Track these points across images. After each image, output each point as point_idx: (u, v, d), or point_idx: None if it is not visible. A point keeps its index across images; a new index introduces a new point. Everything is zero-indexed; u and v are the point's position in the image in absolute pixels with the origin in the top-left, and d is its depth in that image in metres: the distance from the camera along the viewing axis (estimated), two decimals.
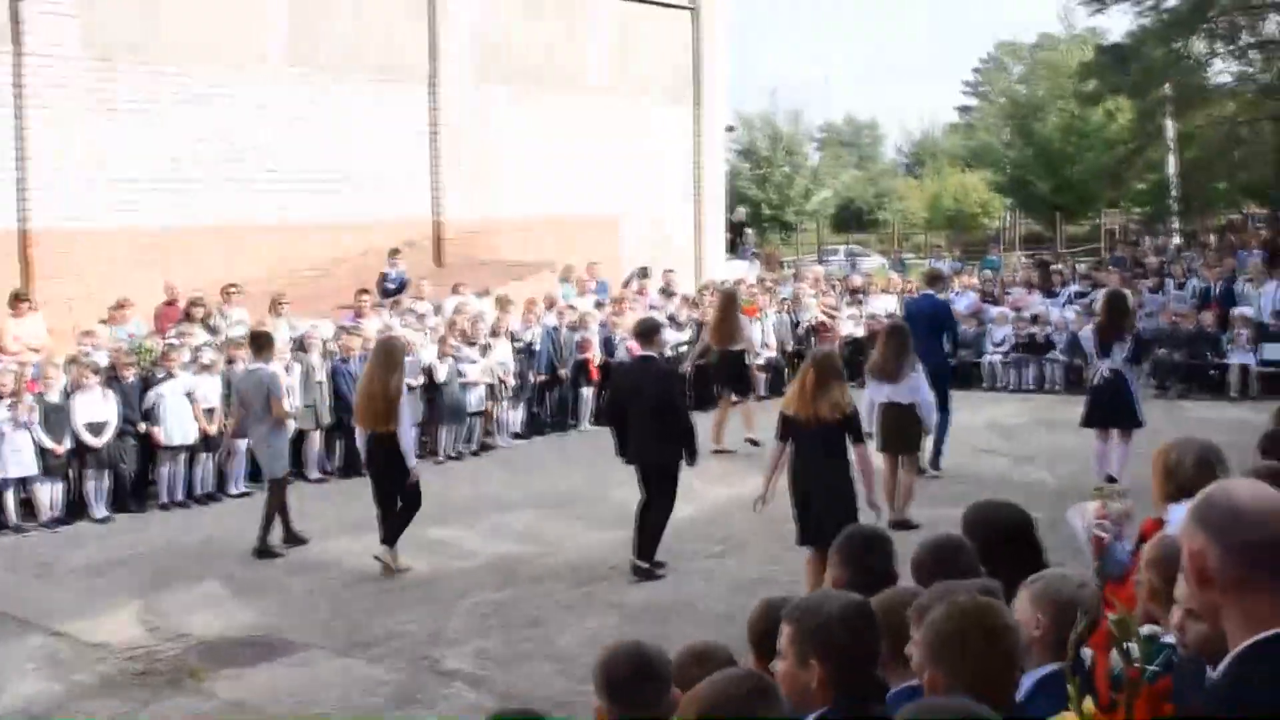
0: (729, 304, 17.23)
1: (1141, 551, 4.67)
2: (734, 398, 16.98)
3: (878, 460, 11.62)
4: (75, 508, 13.99)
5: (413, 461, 11.70)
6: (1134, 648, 3.43)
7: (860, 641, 3.68)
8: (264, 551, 12.17)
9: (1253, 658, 2.62)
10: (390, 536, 11.48)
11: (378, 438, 11.54)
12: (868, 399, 12.71)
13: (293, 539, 12.47)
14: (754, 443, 16.01)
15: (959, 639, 3.34)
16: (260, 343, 13.09)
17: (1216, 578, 2.67)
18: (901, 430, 12.56)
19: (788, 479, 9.90)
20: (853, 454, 9.88)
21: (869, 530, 5.05)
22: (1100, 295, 21.02)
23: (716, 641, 4.49)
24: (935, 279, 17.02)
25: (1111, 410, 13.83)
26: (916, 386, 12.63)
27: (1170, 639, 3.70)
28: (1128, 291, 17.54)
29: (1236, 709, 2.62)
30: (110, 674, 9.07)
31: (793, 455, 9.86)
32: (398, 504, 11.58)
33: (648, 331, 11.74)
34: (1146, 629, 3.93)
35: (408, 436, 11.72)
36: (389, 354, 11.74)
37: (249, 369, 13.10)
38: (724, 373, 17.27)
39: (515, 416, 18.26)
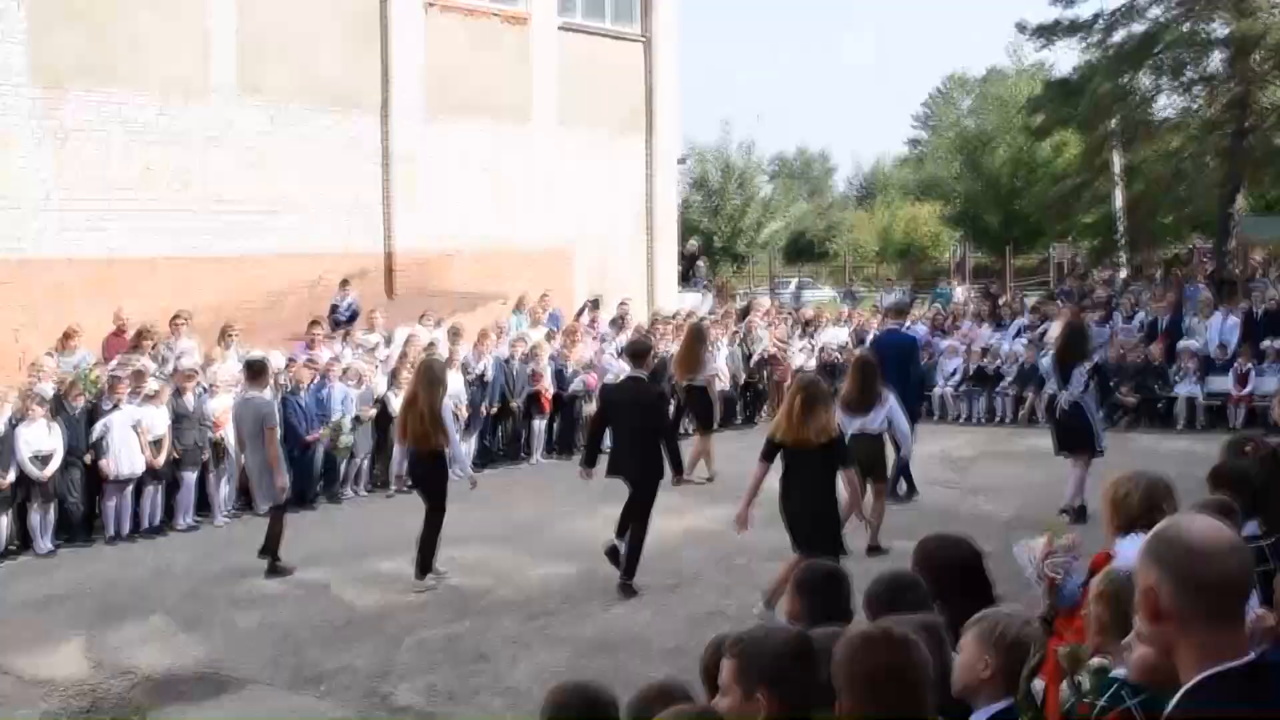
0: (694, 338, 17.43)
1: (1091, 584, 4.69)
2: (699, 432, 17.21)
3: None
4: (20, 541, 13.78)
5: (469, 470, 12.71)
6: (1084, 681, 3.45)
7: (806, 673, 3.67)
8: (275, 570, 12.33)
9: (1203, 692, 2.63)
10: (423, 564, 11.92)
11: (418, 454, 12.01)
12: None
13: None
14: (701, 481, 16.13)
15: (866, 671, 3.35)
16: (255, 370, 12.98)
17: (1169, 613, 2.69)
18: (871, 459, 12.68)
19: (779, 500, 10.12)
20: (840, 477, 10.12)
21: (828, 566, 5.06)
22: (1054, 325, 21.30)
23: (676, 679, 4.47)
24: (901, 312, 17.28)
25: (1070, 438, 14.03)
26: (890, 416, 12.90)
27: (1120, 672, 3.72)
28: (1085, 321, 17.76)
29: None
30: (54, 711, 8.94)
31: (782, 478, 10.07)
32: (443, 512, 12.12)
33: (639, 353, 12.14)
34: (1096, 661, 3.94)
35: (458, 447, 12.44)
36: (431, 372, 12.25)
37: (245, 397, 13.03)
38: (689, 405, 17.62)
39: (466, 448, 18.15)
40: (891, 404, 12.95)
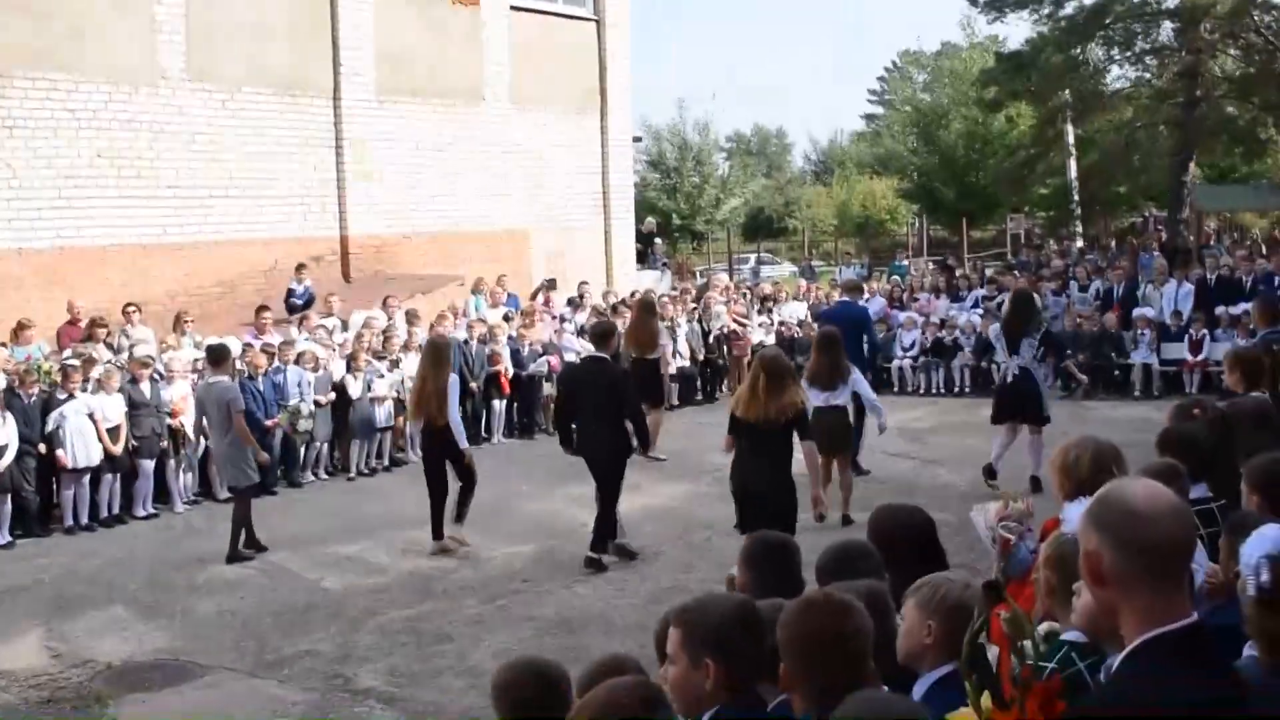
0: (644, 311, 17.41)
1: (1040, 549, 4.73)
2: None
3: None
4: None
5: (464, 444, 12.60)
6: (1028, 646, 3.47)
7: (753, 640, 3.67)
8: (235, 557, 12.30)
9: (1144, 655, 2.66)
10: (459, 516, 12.56)
11: (431, 430, 12.45)
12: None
13: (255, 545, 12.57)
14: (658, 459, 16.10)
15: (807, 635, 3.38)
16: (217, 355, 13.05)
17: (1111, 577, 2.71)
18: (835, 433, 12.76)
19: (731, 476, 10.14)
20: (800, 450, 10.08)
21: (775, 537, 5.07)
22: (1007, 296, 21.43)
23: (627, 654, 4.48)
24: (854, 288, 17.29)
25: (1019, 406, 14.07)
26: (856, 388, 13.09)
27: (1070, 636, 3.75)
28: (1032, 290, 17.83)
29: (1126, 706, 2.66)
30: (13, 703, 8.88)
31: (736, 451, 10.04)
32: (447, 491, 12.53)
33: (603, 334, 12.16)
34: (1045, 626, 3.97)
35: (457, 422, 12.50)
36: (438, 351, 12.76)
37: (208, 381, 13.05)
38: (638, 380, 17.26)
39: None
40: (856, 377, 13.04)
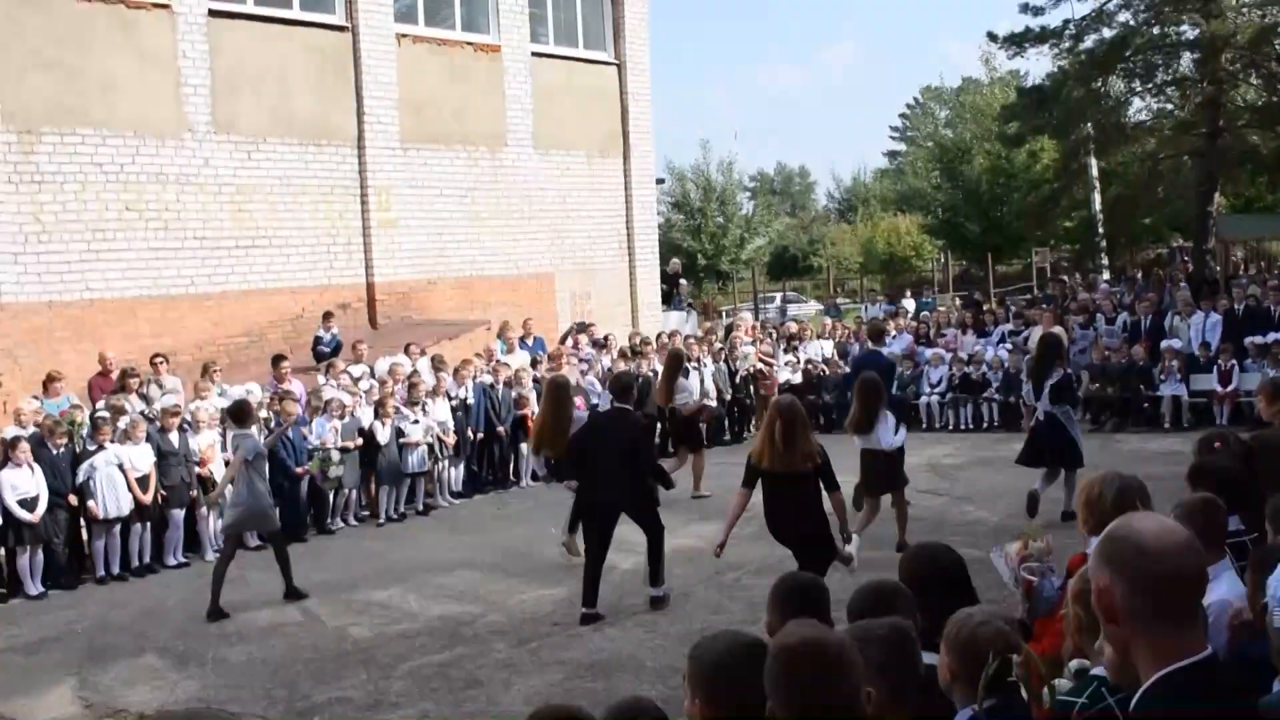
0: (673, 364, 17.75)
1: (1068, 585, 4.71)
2: (688, 452, 17.49)
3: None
4: (8, 585, 13.75)
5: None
6: (1045, 693, 3.46)
7: (737, 681, 3.66)
8: (293, 593, 12.62)
9: (1159, 691, 2.65)
10: (571, 527, 13.34)
11: (559, 461, 13.55)
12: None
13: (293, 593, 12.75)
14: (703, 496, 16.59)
15: (788, 672, 3.33)
16: (239, 413, 13.18)
17: (1123, 613, 2.71)
18: (882, 472, 13.00)
19: (768, 527, 10.12)
20: (828, 502, 10.07)
21: (804, 578, 5.05)
22: (1036, 330, 21.41)
23: (645, 697, 4.46)
24: (879, 334, 17.39)
25: (1049, 450, 14.09)
26: (888, 431, 13.13)
27: (1100, 671, 3.73)
28: (1061, 333, 17.86)
29: None
30: None
31: (767, 504, 10.03)
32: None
33: (624, 388, 12.09)
34: (1075, 663, 3.95)
35: None
36: (559, 390, 13.81)
37: (234, 435, 13.17)
38: (676, 428, 17.96)
39: (455, 475, 18.19)
40: (886, 422, 13.14)
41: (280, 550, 12.80)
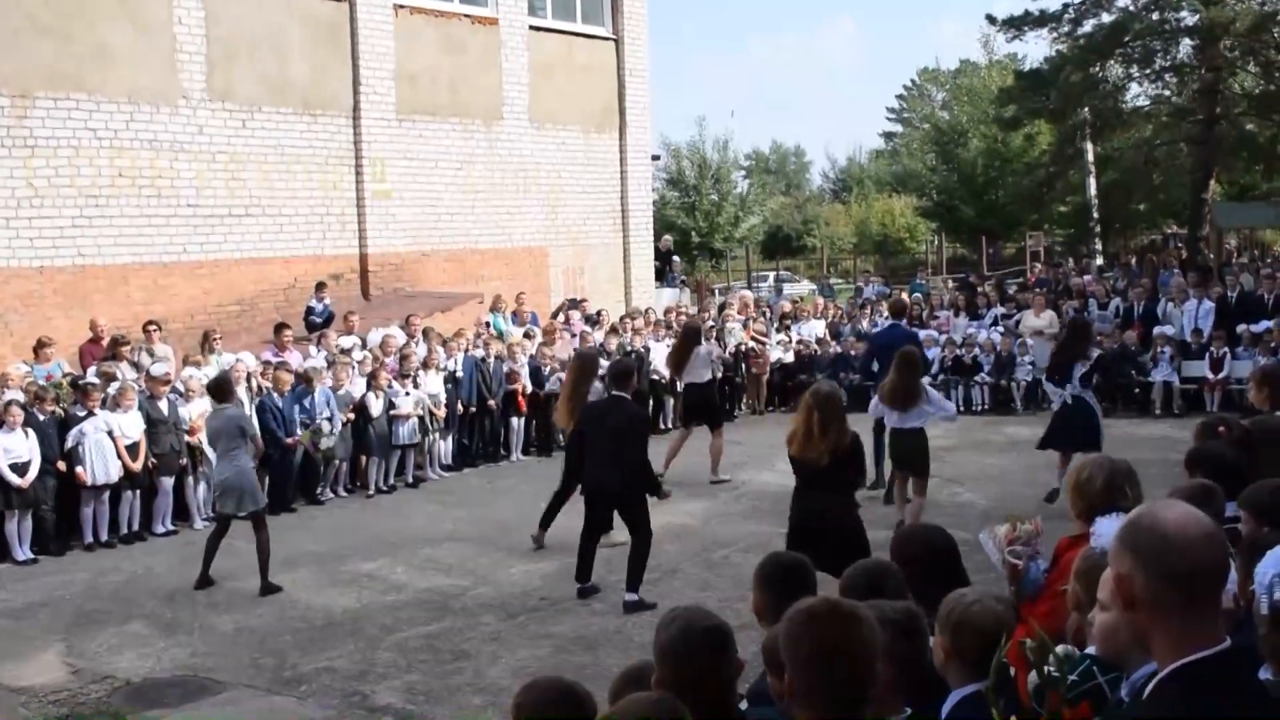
0: (688, 339, 17.34)
1: (1058, 568, 4.71)
2: (704, 428, 16.75)
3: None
4: None
5: None
6: (1053, 669, 3.46)
7: (688, 661, 3.74)
8: (269, 589, 11.88)
9: (1178, 681, 2.65)
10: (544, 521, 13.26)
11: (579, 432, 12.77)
12: (874, 419, 13.63)
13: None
14: (722, 480, 16.17)
15: (811, 645, 3.32)
16: (223, 388, 12.69)
17: (1143, 601, 2.69)
18: (913, 453, 12.75)
19: (791, 517, 9.67)
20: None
21: (789, 557, 5.05)
22: (1029, 314, 21.40)
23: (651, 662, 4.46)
24: (901, 309, 17.24)
25: (1074, 434, 13.91)
26: (936, 407, 13.04)
27: (1093, 650, 3.73)
28: (1087, 317, 17.69)
29: None
30: (33, 718, 8.92)
31: (796, 494, 9.70)
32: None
33: (621, 375, 11.77)
34: (1063, 649, 3.95)
35: None
36: (585, 364, 13.79)
37: (216, 408, 12.62)
38: (693, 405, 17.21)
39: (445, 448, 18.19)
40: (933, 397, 13.05)
41: (260, 537, 12.11)
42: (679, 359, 17.14)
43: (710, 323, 22.53)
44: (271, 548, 12.22)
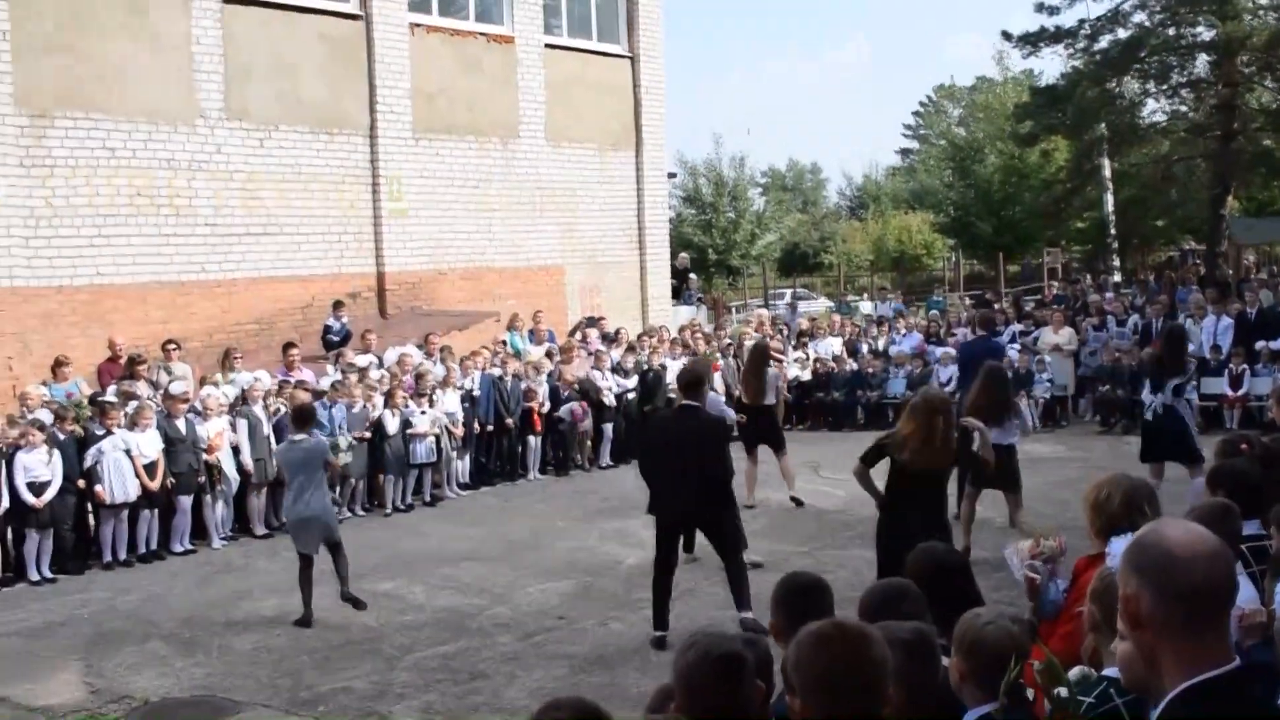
0: (758, 359, 16.22)
1: (1076, 588, 4.69)
2: (774, 454, 15.98)
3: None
4: (14, 569, 13.78)
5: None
6: (1062, 693, 3.43)
7: (702, 690, 3.72)
8: (357, 602, 11.76)
9: (1186, 702, 2.62)
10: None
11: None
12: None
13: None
14: (798, 502, 15.70)
15: (819, 668, 3.29)
16: (307, 415, 12.35)
17: (1149, 621, 2.67)
18: (1005, 474, 12.56)
19: (883, 527, 9.34)
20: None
21: (807, 578, 5.02)
22: (1047, 331, 21.30)
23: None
24: (989, 322, 16.92)
25: (1170, 445, 13.65)
26: (1022, 421, 12.75)
27: (1110, 672, 3.71)
28: (1183, 326, 17.18)
29: None
30: None
31: (894, 502, 9.34)
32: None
33: (694, 382, 11.03)
34: (1076, 672, 3.93)
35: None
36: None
37: (293, 440, 12.06)
38: (758, 430, 16.05)
39: (462, 467, 18.19)
40: (1023, 413, 12.86)
41: (339, 561, 11.84)
42: (756, 381, 15.96)
43: (727, 341, 22.52)
44: (288, 568, 12.22)
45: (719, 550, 10.62)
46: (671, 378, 20.45)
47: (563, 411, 19.08)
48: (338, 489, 16.38)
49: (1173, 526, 2.79)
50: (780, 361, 22.60)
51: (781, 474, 15.86)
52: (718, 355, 21.63)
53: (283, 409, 15.98)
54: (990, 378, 12.73)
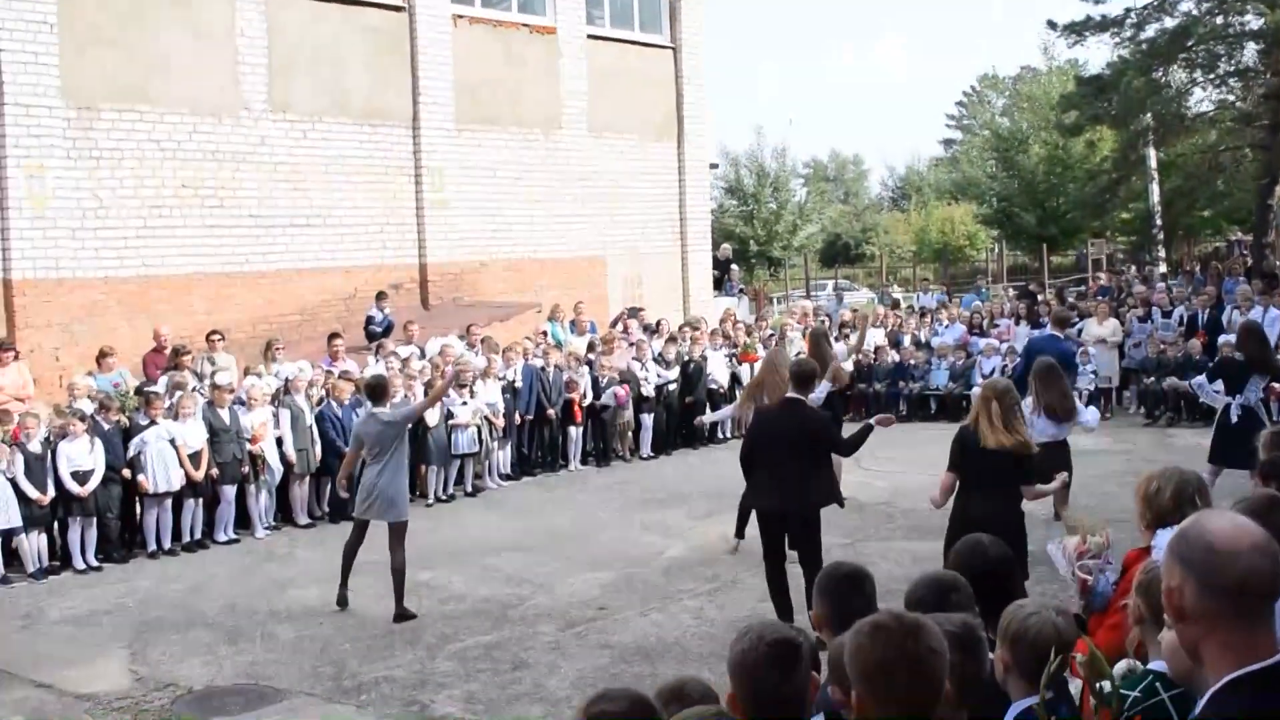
0: (819, 343, 15.56)
1: (1125, 580, 4.65)
2: None
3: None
4: (60, 557, 13.91)
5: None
6: (1105, 686, 3.41)
7: (756, 676, 3.76)
8: (403, 615, 11.30)
9: (1230, 694, 2.60)
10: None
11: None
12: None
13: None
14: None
15: (878, 659, 3.25)
16: (379, 390, 12.01)
17: (1193, 613, 2.66)
18: (1062, 466, 12.38)
19: (955, 513, 9.09)
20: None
21: (849, 567, 5.00)
22: (1090, 323, 21.14)
23: (695, 677, 4.43)
24: (1063, 321, 16.52)
25: (1241, 451, 12.41)
26: (1085, 413, 12.95)
27: (1156, 665, 3.68)
28: (1259, 325, 16.49)
29: None
30: None
31: (963, 488, 9.14)
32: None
33: (808, 376, 10.78)
34: (1123, 665, 3.90)
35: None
36: (818, 336, 13.20)
37: (371, 412, 11.88)
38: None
39: (503, 457, 18.21)
40: (1079, 407, 12.83)
41: (397, 557, 11.43)
42: (826, 362, 15.06)
43: (770, 332, 22.46)
44: (331, 557, 12.21)
45: (801, 553, 10.26)
46: (712, 369, 20.48)
47: (606, 396, 19.08)
48: None
49: (1217, 518, 2.78)
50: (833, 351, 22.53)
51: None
52: (757, 346, 21.54)
53: (325, 398, 16.05)
54: (1051, 373, 12.51)
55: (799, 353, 21.73)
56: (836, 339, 23.68)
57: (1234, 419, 13.42)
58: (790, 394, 10.61)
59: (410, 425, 12.16)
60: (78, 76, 17.73)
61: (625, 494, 16.84)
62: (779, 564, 10.32)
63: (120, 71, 18.21)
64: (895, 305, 29.98)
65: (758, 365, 12.96)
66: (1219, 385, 13.92)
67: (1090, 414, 12.95)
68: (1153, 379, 20.97)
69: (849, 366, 16.15)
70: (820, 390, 14.48)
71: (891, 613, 3.42)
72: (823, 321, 23.26)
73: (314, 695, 9.43)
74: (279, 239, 20.09)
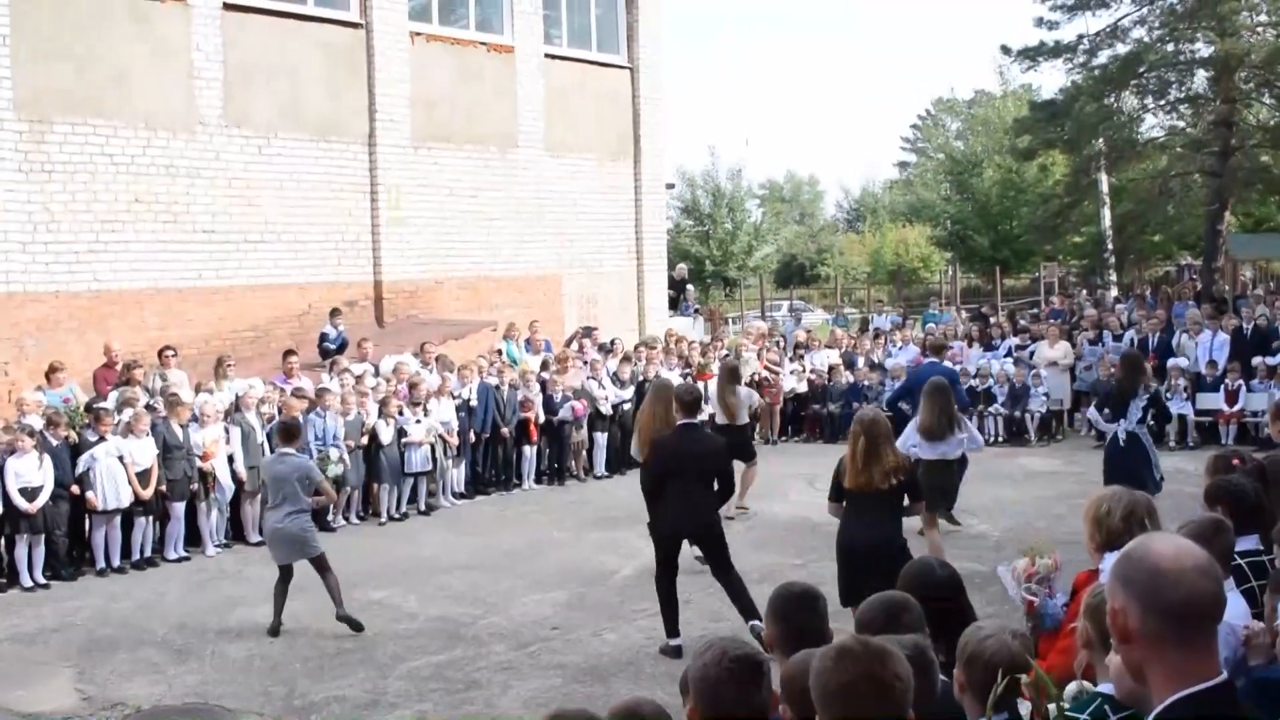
0: (729, 379, 16.63)
1: (1075, 602, 4.68)
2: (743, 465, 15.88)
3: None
4: (7, 575, 13.74)
5: None
6: (1052, 710, 3.43)
7: (718, 691, 3.78)
8: (354, 623, 11.40)
9: (1173, 716, 2.62)
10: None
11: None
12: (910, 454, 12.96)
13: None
14: (742, 511, 15.72)
15: (842, 684, 3.24)
16: (290, 432, 12.11)
17: (1137, 635, 2.68)
18: (943, 487, 12.83)
19: (840, 542, 9.59)
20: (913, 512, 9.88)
21: (800, 587, 5.01)
22: (1043, 345, 21.35)
23: (648, 697, 4.43)
24: (940, 348, 17.26)
25: (1129, 473, 12.93)
26: (970, 436, 13.35)
27: (1105, 688, 3.70)
28: (1140, 354, 17.08)
29: None
30: None
31: (844, 517, 9.66)
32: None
33: (694, 402, 11.14)
34: (1072, 687, 3.93)
35: None
36: (662, 391, 12.18)
37: (281, 453, 11.95)
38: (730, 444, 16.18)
39: (457, 475, 18.15)
40: (970, 428, 13.13)
41: (328, 580, 11.56)
42: (728, 398, 16.34)
43: (724, 353, 22.49)
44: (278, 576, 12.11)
45: (715, 564, 10.69)
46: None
47: (564, 410, 19.06)
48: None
49: (1160, 541, 2.81)
50: (776, 374, 22.67)
51: (740, 481, 15.58)
52: (711, 366, 21.56)
53: (277, 416, 15.96)
54: (935, 392, 13.04)
55: (753, 374, 21.94)
56: (791, 359, 23.89)
57: (1121, 443, 13.76)
58: (682, 420, 10.87)
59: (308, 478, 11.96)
60: (30, 89, 17.59)
61: (579, 513, 16.80)
62: (674, 579, 10.62)
63: (75, 84, 18.08)
64: (864, 328, 30.14)
65: (645, 400, 13.14)
66: (1106, 413, 14.25)
67: (970, 436, 13.29)
68: (1170, 416, 21.13)
69: (744, 413, 16.61)
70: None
71: (858, 638, 3.43)
72: (767, 350, 23.35)
73: (264, 715, 9.36)
74: (233, 254, 19.98)
